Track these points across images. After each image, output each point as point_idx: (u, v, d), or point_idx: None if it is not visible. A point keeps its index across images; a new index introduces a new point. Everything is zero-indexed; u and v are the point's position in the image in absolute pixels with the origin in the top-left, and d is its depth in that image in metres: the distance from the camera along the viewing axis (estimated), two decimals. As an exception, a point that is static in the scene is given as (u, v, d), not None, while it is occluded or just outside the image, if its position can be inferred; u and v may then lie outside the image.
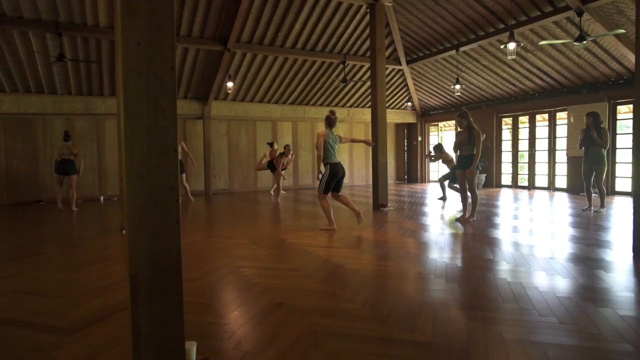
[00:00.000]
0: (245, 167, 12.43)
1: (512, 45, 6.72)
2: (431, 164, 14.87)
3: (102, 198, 10.73)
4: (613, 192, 9.23)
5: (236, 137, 12.42)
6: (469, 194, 6.23)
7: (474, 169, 5.97)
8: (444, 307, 2.71)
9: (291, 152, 10.81)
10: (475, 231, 5.39)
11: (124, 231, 6.08)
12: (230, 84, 9.87)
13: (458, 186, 6.80)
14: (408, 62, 11.69)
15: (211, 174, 11.78)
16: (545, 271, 3.46)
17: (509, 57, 7.03)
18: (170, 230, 1.86)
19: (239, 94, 11.47)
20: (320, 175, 5.66)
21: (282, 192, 11.29)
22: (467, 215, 6.24)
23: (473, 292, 3.01)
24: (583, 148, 6.84)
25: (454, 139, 9.05)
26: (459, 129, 6.19)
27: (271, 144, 11.20)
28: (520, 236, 4.96)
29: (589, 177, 6.88)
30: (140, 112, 1.77)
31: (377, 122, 7.84)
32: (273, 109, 12.30)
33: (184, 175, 9.35)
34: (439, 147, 9.04)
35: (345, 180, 14.34)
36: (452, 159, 8.58)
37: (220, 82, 10.46)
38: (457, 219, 6.29)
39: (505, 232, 5.27)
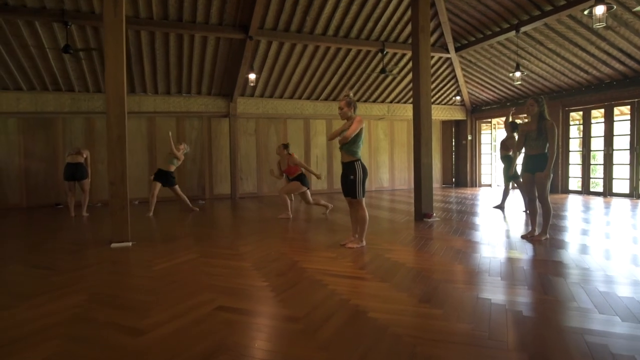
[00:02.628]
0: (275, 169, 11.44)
1: (600, 10, 5.21)
2: (483, 166, 13.24)
3: (122, 202, 10.08)
4: None
5: (265, 136, 11.49)
6: (538, 204, 4.83)
7: (548, 173, 4.57)
8: None
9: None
10: (547, 254, 4.02)
11: (112, 244, 5.24)
12: (252, 76, 8.89)
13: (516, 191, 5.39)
14: (457, 49, 10.24)
15: (238, 176, 10.90)
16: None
17: (595, 26, 5.50)
18: None
19: (266, 89, 10.50)
20: (352, 177, 4.49)
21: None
22: (536, 232, 4.85)
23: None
24: None
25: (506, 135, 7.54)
26: (525, 120, 4.81)
27: (286, 146, 8.62)
28: (602, 263, 3.55)
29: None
30: None
31: (420, 116, 6.54)
32: (305, 106, 11.24)
33: (176, 187, 7.89)
34: (514, 126, 7.01)
35: (386, 184, 13.25)
36: (510, 147, 6.98)
37: (245, 76, 9.52)
38: (523, 236, 4.90)
39: (580, 255, 3.86)
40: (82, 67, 8.56)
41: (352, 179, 4.45)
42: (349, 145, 4.44)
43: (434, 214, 6.55)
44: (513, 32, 8.45)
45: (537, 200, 4.79)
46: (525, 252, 4.20)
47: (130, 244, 4.93)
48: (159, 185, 7.71)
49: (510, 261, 3.85)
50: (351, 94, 4.60)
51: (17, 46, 7.76)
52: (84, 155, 7.74)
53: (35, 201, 9.61)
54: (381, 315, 2.57)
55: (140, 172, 10.14)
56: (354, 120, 4.38)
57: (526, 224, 5.89)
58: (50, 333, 2.37)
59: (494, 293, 2.96)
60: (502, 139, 7.49)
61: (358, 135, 4.41)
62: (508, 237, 5.04)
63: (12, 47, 7.78)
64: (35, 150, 9.62)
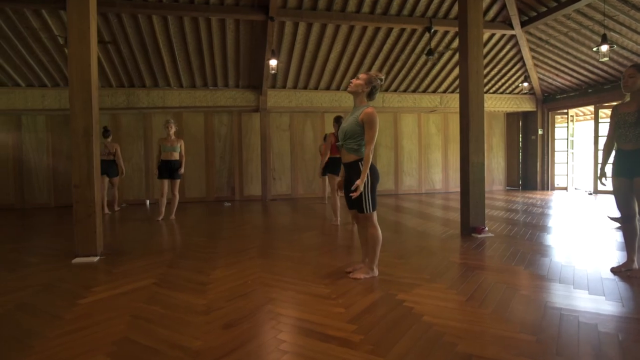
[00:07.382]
0: (311, 168, 10.40)
1: None
2: (557, 165, 11.22)
3: (148, 202, 9.57)
4: None
5: (300, 132, 10.46)
6: (638, 221, 3.28)
7: (657, 177, 3.04)
8: None
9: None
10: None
11: (75, 259, 4.43)
12: (273, 63, 7.85)
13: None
14: (523, 24, 8.49)
15: (270, 176, 9.98)
16: None
17: None
18: None
19: (299, 79, 9.45)
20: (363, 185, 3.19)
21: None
22: (635, 265, 3.30)
23: None
24: None
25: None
26: (625, 100, 3.28)
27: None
28: None
29: None
30: None
31: (468, 102, 5.10)
32: (343, 97, 10.04)
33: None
34: None
35: (438, 186, 11.67)
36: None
37: (267, 62, 8.53)
38: (614, 270, 3.37)
39: None
40: (100, 60, 8.04)
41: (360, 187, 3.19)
42: (352, 140, 3.19)
43: (486, 228, 5.09)
44: (598, -4, 6.65)
45: (638, 217, 3.24)
46: (619, 301, 2.72)
47: (96, 258, 4.09)
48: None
49: (597, 321, 2.42)
50: (382, 76, 3.26)
51: (32, 40, 7.39)
52: (113, 151, 7.73)
53: (63, 201, 9.33)
54: None
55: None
56: (367, 118, 3.07)
57: (621, 249, 4.23)
58: None
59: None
60: None
61: (362, 128, 3.15)
62: (595, 270, 3.52)
63: (28, 42, 7.42)
64: (63, 148, 9.36)
